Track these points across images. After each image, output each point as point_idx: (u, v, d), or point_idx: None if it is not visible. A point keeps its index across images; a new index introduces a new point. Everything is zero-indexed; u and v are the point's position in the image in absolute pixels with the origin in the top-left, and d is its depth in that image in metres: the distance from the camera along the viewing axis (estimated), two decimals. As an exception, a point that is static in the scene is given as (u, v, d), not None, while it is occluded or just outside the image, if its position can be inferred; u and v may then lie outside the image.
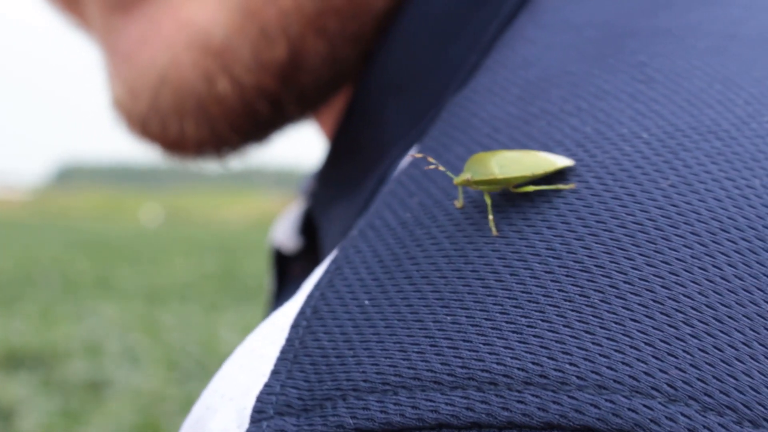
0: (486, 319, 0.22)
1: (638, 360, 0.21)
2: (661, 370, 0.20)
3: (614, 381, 0.20)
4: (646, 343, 0.21)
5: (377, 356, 0.23)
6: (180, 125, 0.39)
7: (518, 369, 0.21)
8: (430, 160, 0.28)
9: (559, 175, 0.26)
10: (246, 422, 0.23)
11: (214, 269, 7.66)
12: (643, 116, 0.26)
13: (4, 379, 3.38)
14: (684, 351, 0.21)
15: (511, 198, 0.26)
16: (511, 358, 0.21)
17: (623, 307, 0.22)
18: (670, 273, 0.22)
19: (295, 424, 0.22)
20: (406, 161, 0.31)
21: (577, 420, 0.20)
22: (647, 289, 0.22)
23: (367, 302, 0.25)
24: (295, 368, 0.24)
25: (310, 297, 0.26)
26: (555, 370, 0.21)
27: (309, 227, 0.48)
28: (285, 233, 0.51)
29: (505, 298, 0.23)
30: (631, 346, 0.21)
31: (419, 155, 0.29)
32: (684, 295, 0.22)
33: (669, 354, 0.21)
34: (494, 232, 0.25)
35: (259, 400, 0.23)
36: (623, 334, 0.21)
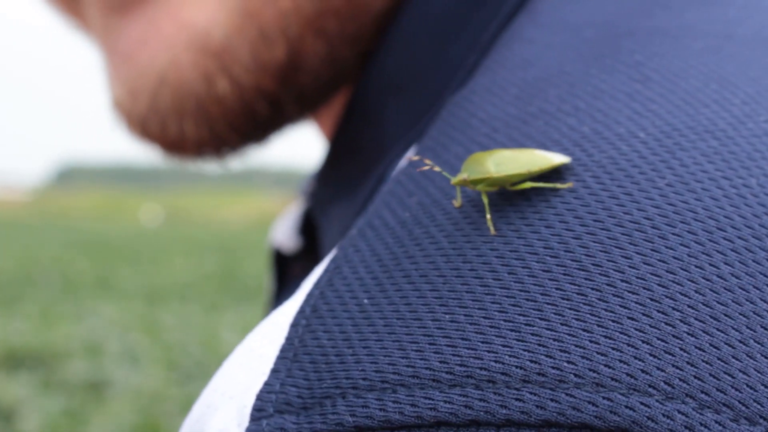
0: (484, 317, 0.23)
1: (635, 358, 0.21)
2: (658, 368, 0.21)
3: (612, 379, 0.21)
4: (643, 341, 0.21)
5: (376, 355, 0.23)
6: (179, 126, 0.39)
7: (516, 367, 0.21)
8: (427, 162, 0.28)
9: (556, 172, 0.26)
10: (246, 420, 0.23)
11: (214, 269, 7.66)
12: (640, 116, 0.27)
13: (4, 379, 3.38)
14: (681, 349, 0.21)
15: (509, 197, 0.26)
16: (509, 356, 0.22)
17: (621, 306, 0.22)
18: (667, 271, 0.22)
19: (295, 422, 0.23)
20: (405, 161, 0.31)
21: (575, 417, 0.20)
22: (644, 288, 0.22)
23: (366, 301, 0.25)
24: (295, 367, 0.24)
25: (310, 296, 0.26)
26: (553, 368, 0.21)
27: (309, 227, 0.48)
28: (285, 233, 0.51)
29: (503, 297, 0.23)
30: (628, 344, 0.21)
31: (416, 158, 0.29)
32: (681, 294, 0.22)
33: (666, 352, 0.21)
34: (492, 231, 0.25)
35: (259, 398, 0.24)
36: (620, 333, 0.21)
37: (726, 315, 0.21)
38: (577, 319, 0.22)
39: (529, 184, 0.26)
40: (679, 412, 0.20)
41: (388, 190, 0.29)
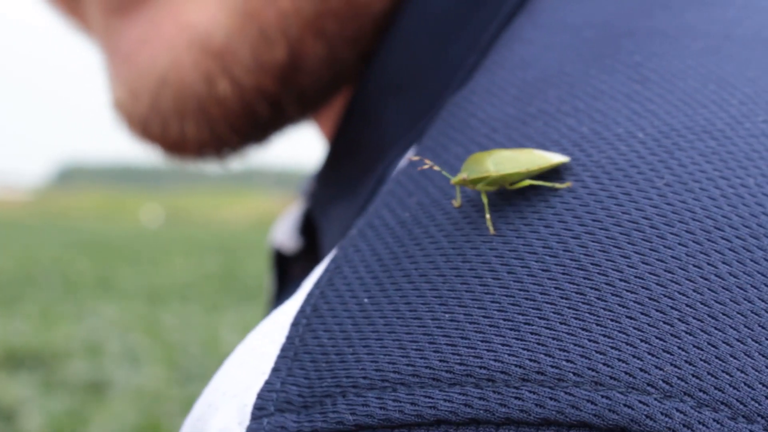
0: (484, 316, 0.23)
1: (634, 357, 0.21)
2: (656, 367, 0.21)
3: (610, 377, 0.21)
4: (641, 340, 0.21)
5: (376, 354, 0.23)
6: (180, 126, 0.39)
7: (515, 366, 0.21)
8: (427, 161, 0.29)
9: (555, 172, 0.26)
10: (247, 419, 0.23)
11: (215, 269, 7.66)
12: (639, 116, 0.27)
13: (5, 379, 3.38)
14: (679, 348, 0.21)
15: (508, 197, 0.27)
16: (509, 355, 0.22)
17: (619, 305, 0.22)
18: (665, 271, 0.22)
19: (296, 421, 0.23)
20: (404, 161, 0.31)
21: (574, 416, 0.20)
22: (643, 287, 0.22)
23: (366, 300, 0.25)
24: (296, 366, 0.24)
25: (310, 295, 0.26)
26: (552, 366, 0.21)
27: (309, 227, 0.49)
28: (285, 233, 0.51)
29: (503, 296, 0.23)
30: (626, 343, 0.21)
31: (416, 158, 0.29)
32: (679, 293, 0.22)
33: (664, 351, 0.21)
34: (491, 231, 0.25)
35: (259, 397, 0.24)
36: (619, 331, 0.21)
37: (724, 314, 0.21)
38: (575, 318, 0.22)
39: (527, 182, 0.26)
40: (678, 410, 0.20)
41: (388, 190, 0.29)
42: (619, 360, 0.21)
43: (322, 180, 0.42)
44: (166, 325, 4.73)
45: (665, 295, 0.22)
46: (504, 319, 0.22)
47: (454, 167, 0.28)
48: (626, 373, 0.21)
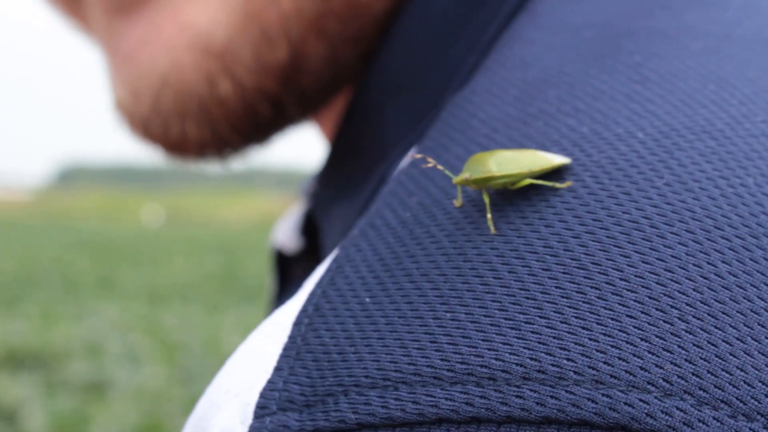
0: (485, 315, 0.23)
1: (634, 355, 0.21)
2: (656, 365, 0.21)
3: (611, 376, 0.21)
4: (641, 339, 0.21)
5: (378, 353, 0.23)
6: (182, 127, 0.39)
7: (516, 365, 0.22)
8: (430, 160, 0.29)
9: (556, 173, 0.26)
10: (249, 418, 0.24)
11: (216, 270, 7.66)
12: (639, 116, 0.27)
13: (5, 379, 3.39)
14: (679, 346, 0.21)
15: (509, 197, 0.27)
16: (510, 354, 0.22)
17: (619, 304, 0.22)
18: (665, 270, 0.22)
19: (298, 420, 0.23)
20: (406, 161, 0.31)
21: (575, 414, 0.21)
22: (643, 286, 0.22)
23: (368, 300, 0.25)
24: (298, 365, 0.24)
25: (312, 295, 0.26)
26: (552, 365, 0.21)
27: (310, 228, 0.49)
28: (286, 234, 0.51)
29: (504, 296, 0.23)
30: (627, 342, 0.21)
31: (419, 156, 0.29)
32: (679, 292, 0.22)
33: (664, 349, 0.21)
34: (493, 230, 0.25)
35: (262, 396, 0.24)
36: (619, 330, 0.21)
37: (723, 313, 0.21)
38: (576, 317, 0.22)
39: (528, 181, 0.26)
40: (678, 408, 0.20)
41: (389, 190, 0.29)
42: (619, 358, 0.21)
43: (323, 180, 0.42)
44: (166, 325, 4.74)
45: (665, 294, 0.22)
46: (505, 318, 0.23)
47: (455, 167, 0.28)
48: (627, 371, 0.21)
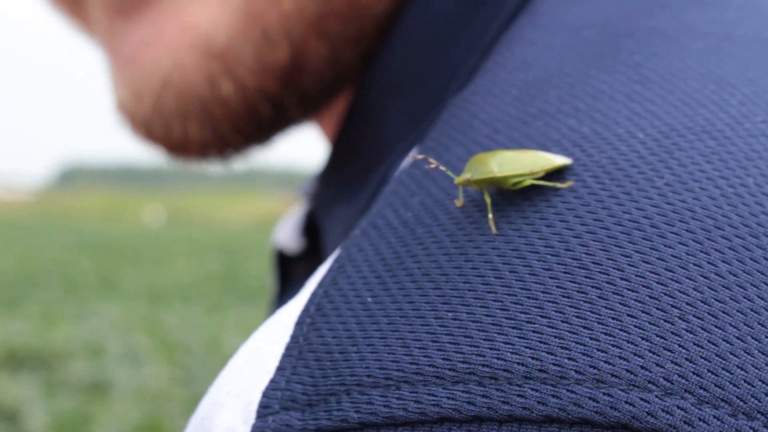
0: (486, 315, 0.23)
1: (635, 354, 0.21)
2: (657, 364, 0.21)
3: (612, 375, 0.21)
4: (642, 338, 0.21)
5: (380, 352, 0.23)
6: (184, 128, 0.40)
7: (518, 364, 0.22)
8: (431, 160, 0.29)
9: (557, 173, 0.27)
10: (252, 417, 0.24)
11: (217, 270, 7.67)
12: (639, 116, 0.27)
13: (6, 380, 3.39)
14: (679, 345, 0.21)
15: (511, 197, 0.27)
16: (511, 353, 0.22)
17: (620, 303, 0.22)
18: (665, 269, 0.22)
19: (300, 419, 0.23)
20: (407, 162, 0.31)
21: (576, 413, 0.21)
22: (643, 286, 0.22)
23: (369, 299, 0.25)
24: (300, 364, 0.24)
25: (314, 295, 0.26)
26: (554, 364, 0.21)
27: (311, 228, 0.49)
28: (288, 234, 0.51)
29: (505, 295, 0.23)
30: (628, 341, 0.21)
31: (421, 156, 0.29)
32: (680, 291, 0.22)
33: (665, 348, 0.21)
34: (494, 230, 0.25)
35: (264, 395, 0.24)
36: (620, 329, 0.22)
37: (724, 312, 0.22)
38: (577, 317, 0.22)
39: (529, 181, 0.26)
40: (678, 407, 0.20)
41: (391, 190, 0.30)
42: (620, 357, 0.21)
43: (324, 180, 0.42)
44: (167, 325, 4.74)
45: (666, 294, 0.22)
46: (506, 318, 0.23)
47: (456, 168, 0.29)
48: (627, 370, 0.21)
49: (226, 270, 7.63)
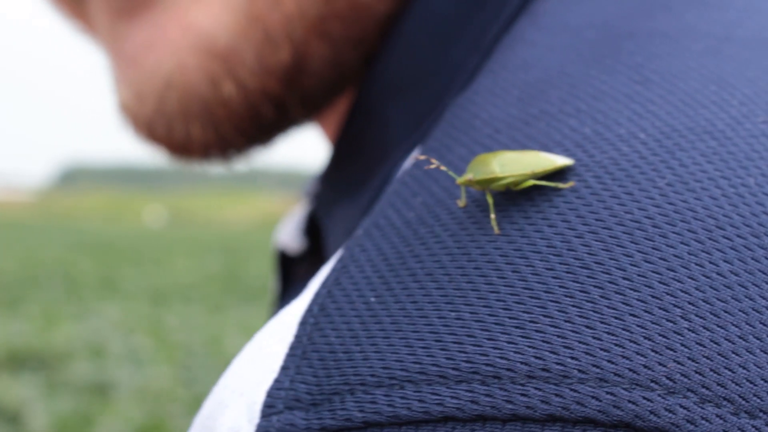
0: (489, 314, 0.23)
1: (637, 353, 0.21)
2: (659, 363, 0.21)
3: (614, 374, 0.21)
4: (645, 337, 0.21)
5: (384, 351, 0.23)
6: (186, 128, 0.40)
7: (521, 363, 0.22)
8: (433, 161, 0.29)
9: (559, 174, 0.27)
10: (256, 416, 0.24)
11: (218, 270, 7.67)
12: (640, 117, 0.27)
13: (7, 380, 3.39)
14: (682, 344, 0.21)
15: (513, 197, 0.27)
16: (514, 352, 0.22)
17: (622, 303, 0.22)
18: (667, 269, 0.23)
19: (305, 418, 0.23)
20: (409, 162, 0.31)
21: (579, 412, 0.21)
22: (646, 285, 0.22)
23: (373, 299, 0.25)
24: (304, 364, 0.24)
25: (318, 295, 0.26)
26: (557, 363, 0.21)
27: (313, 229, 0.49)
28: (289, 234, 0.51)
29: (508, 295, 0.23)
30: (630, 340, 0.21)
31: (422, 157, 0.30)
32: (681, 291, 0.22)
33: (667, 347, 0.21)
34: (496, 230, 0.25)
35: (269, 395, 0.24)
36: (623, 329, 0.22)
37: (726, 311, 0.22)
38: (580, 316, 0.22)
39: (531, 182, 0.26)
40: (681, 406, 0.20)
41: (393, 190, 0.30)
42: (622, 357, 0.21)
43: (325, 181, 0.42)
44: (169, 325, 4.74)
45: (668, 293, 0.22)
46: (509, 317, 0.23)
47: (458, 168, 0.29)
48: (630, 369, 0.21)
49: (227, 270, 7.63)
